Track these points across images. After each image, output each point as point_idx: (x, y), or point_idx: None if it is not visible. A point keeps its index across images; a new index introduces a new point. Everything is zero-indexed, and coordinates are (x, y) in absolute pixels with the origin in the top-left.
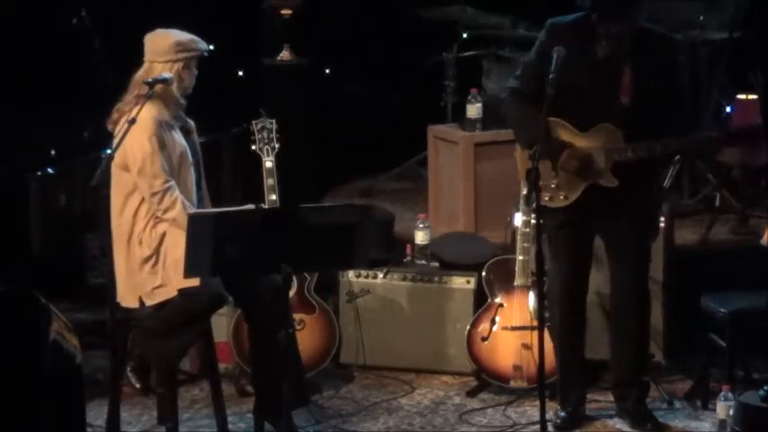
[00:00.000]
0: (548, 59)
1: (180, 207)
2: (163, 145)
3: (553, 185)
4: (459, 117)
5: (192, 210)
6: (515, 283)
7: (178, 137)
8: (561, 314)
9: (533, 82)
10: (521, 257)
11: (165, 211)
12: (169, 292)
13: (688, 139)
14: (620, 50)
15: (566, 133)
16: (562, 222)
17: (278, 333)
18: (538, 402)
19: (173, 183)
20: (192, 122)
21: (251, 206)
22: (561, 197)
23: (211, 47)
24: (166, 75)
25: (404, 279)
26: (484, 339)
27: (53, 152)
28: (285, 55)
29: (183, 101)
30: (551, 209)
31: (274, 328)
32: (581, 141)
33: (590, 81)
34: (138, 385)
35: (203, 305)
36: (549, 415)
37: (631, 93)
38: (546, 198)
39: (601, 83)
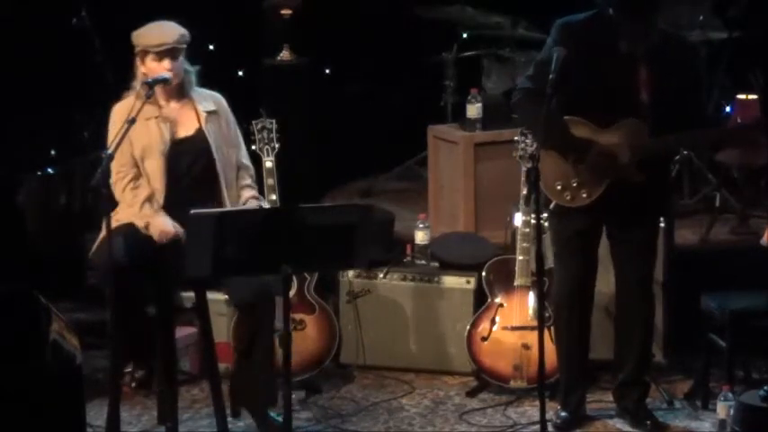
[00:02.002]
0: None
1: (122, 200)
2: (122, 139)
3: (575, 184)
4: (459, 117)
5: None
6: (515, 283)
7: (148, 128)
8: (568, 316)
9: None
10: (521, 257)
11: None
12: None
13: (720, 130)
14: (637, 48)
15: (586, 131)
16: (576, 228)
17: (265, 331)
18: (538, 402)
19: (120, 176)
20: (209, 104)
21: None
22: (583, 195)
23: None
24: (166, 75)
25: (404, 279)
26: (484, 339)
27: (53, 152)
28: (285, 55)
29: (166, 99)
30: (563, 214)
31: (262, 326)
32: (604, 138)
33: (608, 79)
34: (133, 384)
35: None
36: (549, 415)
37: (650, 89)
38: (567, 198)
39: (619, 80)
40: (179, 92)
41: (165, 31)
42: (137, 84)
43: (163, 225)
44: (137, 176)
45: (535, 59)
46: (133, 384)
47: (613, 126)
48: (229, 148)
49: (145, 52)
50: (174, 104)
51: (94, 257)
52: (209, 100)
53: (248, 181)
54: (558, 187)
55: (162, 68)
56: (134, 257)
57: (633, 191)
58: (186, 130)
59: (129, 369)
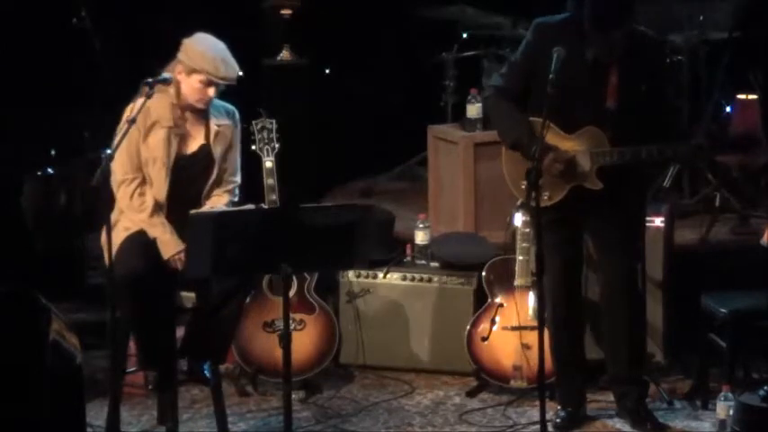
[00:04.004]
0: (535, 60)
1: (129, 207)
2: (130, 142)
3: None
4: (459, 117)
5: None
6: (515, 283)
7: (158, 137)
8: (555, 312)
9: (519, 81)
10: (521, 257)
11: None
12: None
13: (674, 146)
14: (606, 57)
15: (551, 135)
16: (549, 221)
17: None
18: (538, 402)
19: (127, 182)
20: (222, 118)
21: (251, 206)
22: (545, 197)
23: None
24: (166, 75)
25: (404, 279)
26: (484, 339)
27: (53, 152)
28: (285, 55)
29: (181, 110)
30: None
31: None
32: (566, 143)
33: (577, 83)
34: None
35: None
36: (549, 415)
37: (618, 96)
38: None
39: (588, 85)
40: (201, 109)
41: (230, 68)
42: (174, 96)
43: (174, 249)
44: (143, 183)
45: (510, 58)
46: (150, 387)
47: (576, 132)
48: (223, 164)
49: (195, 70)
50: (189, 117)
51: (118, 266)
52: (222, 114)
53: (221, 202)
54: (523, 186)
55: (206, 93)
56: (156, 269)
57: (599, 194)
58: (195, 145)
59: (132, 369)
